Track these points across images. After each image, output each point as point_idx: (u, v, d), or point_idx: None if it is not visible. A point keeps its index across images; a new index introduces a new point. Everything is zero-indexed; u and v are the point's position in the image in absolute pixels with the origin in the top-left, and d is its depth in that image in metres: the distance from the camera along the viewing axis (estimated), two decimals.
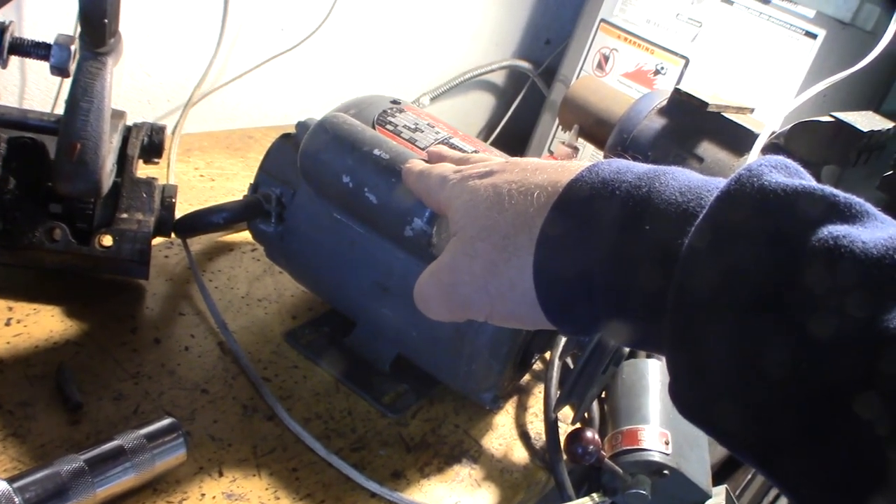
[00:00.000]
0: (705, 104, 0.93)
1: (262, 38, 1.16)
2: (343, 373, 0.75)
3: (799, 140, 0.89)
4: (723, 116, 0.96)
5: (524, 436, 0.78)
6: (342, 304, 0.78)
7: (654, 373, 0.83)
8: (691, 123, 0.98)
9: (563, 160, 1.09)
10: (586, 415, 0.79)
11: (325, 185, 0.66)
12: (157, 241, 0.84)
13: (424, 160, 0.57)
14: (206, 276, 0.83)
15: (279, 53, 1.17)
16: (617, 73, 1.32)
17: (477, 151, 0.72)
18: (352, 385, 0.74)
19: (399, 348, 0.75)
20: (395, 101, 0.76)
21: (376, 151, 0.63)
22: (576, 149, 1.11)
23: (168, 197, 0.74)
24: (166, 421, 0.59)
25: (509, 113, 1.62)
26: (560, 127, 1.27)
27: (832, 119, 0.85)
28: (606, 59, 1.33)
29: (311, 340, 0.79)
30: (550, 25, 1.67)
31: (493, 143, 1.72)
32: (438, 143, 0.71)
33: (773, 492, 1.48)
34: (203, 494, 0.59)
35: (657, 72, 1.27)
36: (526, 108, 1.62)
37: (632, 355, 0.86)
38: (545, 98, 1.54)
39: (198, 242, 0.88)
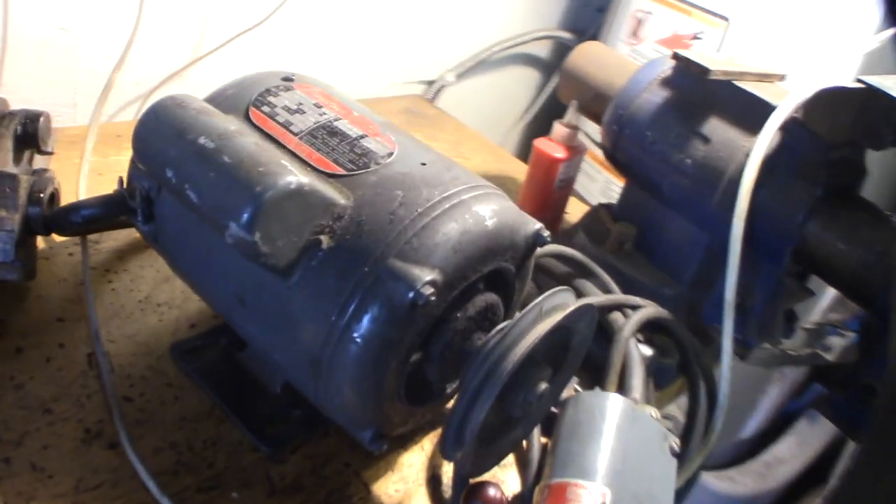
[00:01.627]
0: (706, 70, 0.75)
1: (237, 9, 1.07)
2: (224, 394, 0.65)
3: (820, 113, 0.70)
4: (735, 86, 0.77)
5: (433, 481, 0.64)
6: (213, 308, 0.67)
7: (612, 412, 0.67)
8: (698, 95, 0.80)
9: (562, 141, 0.92)
10: (515, 457, 0.65)
11: (157, 179, 0.56)
12: (63, 238, 0.77)
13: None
14: (107, 277, 0.75)
15: (259, 22, 1.08)
16: (651, 40, 1.13)
17: (365, 136, 0.59)
18: (227, 409, 0.64)
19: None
20: (286, 78, 0.65)
21: (201, 140, 0.51)
22: (575, 128, 0.95)
23: (37, 192, 0.66)
24: None
25: (548, 88, 1.45)
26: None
27: (862, 85, 0.65)
28: (640, 23, 1.14)
29: (198, 354, 0.68)
30: None
31: (534, 121, 1.57)
32: (319, 125, 0.59)
33: None
34: None
35: (695, 37, 1.07)
36: None
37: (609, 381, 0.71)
38: None
39: (113, 239, 0.80)
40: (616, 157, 0.89)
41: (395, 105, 1.35)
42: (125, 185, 0.65)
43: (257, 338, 0.59)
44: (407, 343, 0.53)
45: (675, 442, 0.61)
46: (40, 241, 0.76)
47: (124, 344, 0.68)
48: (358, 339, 0.51)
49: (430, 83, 1.44)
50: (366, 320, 0.51)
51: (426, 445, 0.67)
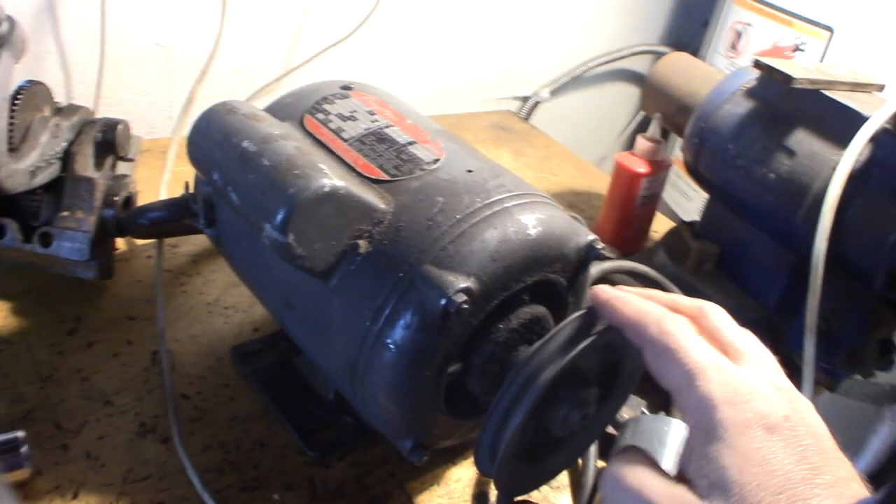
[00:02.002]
0: (790, 79, 0.70)
1: (326, 23, 1.10)
2: (277, 397, 0.66)
3: None
4: (823, 96, 0.72)
5: (479, 498, 0.63)
6: (269, 311, 0.68)
7: (673, 439, 0.63)
8: (784, 106, 0.76)
9: (645, 156, 0.89)
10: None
11: (209, 183, 0.57)
12: (144, 242, 0.80)
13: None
14: (180, 280, 0.78)
15: (346, 36, 1.10)
16: (750, 52, 1.08)
17: (413, 142, 0.59)
18: (278, 412, 0.65)
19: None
20: (345, 87, 0.66)
21: (245, 143, 0.52)
22: (659, 142, 0.92)
23: (112, 195, 0.69)
24: (9, 435, 0.54)
25: None
26: None
27: None
28: (739, 36, 1.09)
29: (257, 358, 0.70)
30: (706, 5, 1.43)
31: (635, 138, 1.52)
32: (369, 132, 0.59)
33: None
34: None
35: (796, 48, 1.01)
36: None
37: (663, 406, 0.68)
38: None
39: (191, 244, 0.83)
40: (698, 172, 0.85)
41: (485, 120, 1.35)
42: (191, 190, 0.67)
43: (303, 341, 0.60)
44: (442, 352, 0.51)
45: None
46: (121, 244, 0.80)
47: (188, 344, 0.71)
48: (391, 346, 0.50)
49: (525, 99, 1.43)
50: (399, 326, 0.50)
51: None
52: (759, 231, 0.81)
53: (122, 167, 0.77)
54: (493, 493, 0.63)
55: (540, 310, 0.57)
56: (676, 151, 1.28)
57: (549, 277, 0.56)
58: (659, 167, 0.94)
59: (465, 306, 0.49)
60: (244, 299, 0.77)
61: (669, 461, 0.61)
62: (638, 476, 0.37)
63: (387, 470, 0.63)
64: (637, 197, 0.95)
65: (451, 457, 0.66)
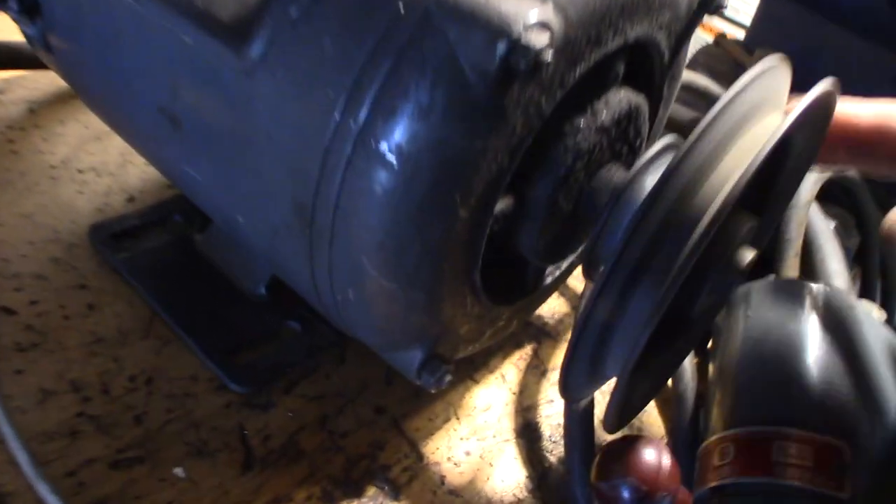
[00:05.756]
0: None
1: None
2: (170, 300, 0.39)
3: None
4: None
5: (526, 432, 0.38)
6: (148, 158, 0.40)
7: (816, 310, 0.40)
8: None
9: None
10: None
11: None
12: None
13: None
14: (6, 136, 0.49)
15: None
16: None
17: None
18: (173, 323, 0.38)
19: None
20: None
21: None
22: None
23: None
24: None
25: None
26: None
27: None
28: None
29: (135, 240, 0.42)
30: None
31: None
32: None
33: None
34: None
35: None
36: None
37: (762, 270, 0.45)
38: None
39: (25, 87, 0.54)
40: None
41: None
42: None
43: (207, 188, 0.33)
44: (490, 167, 0.26)
45: None
46: None
47: (17, 227, 0.42)
48: (390, 157, 0.24)
49: None
50: (403, 116, 0.24)
51: (509, 374, 0.41)
52: (851, 33, 0.57)
53: None
54: (545, 422, 0.39)
55: (636, 99, 0.31)
56: None
57: (651, 37, 0.30)
58: None
59: (547, 59, 0.23)
60: (111, 157, 0.49)
61: (822, 346, 0.37)
62: None
63: (370, 404, 0.37)
64: None
65: (470, 370, 0.41)
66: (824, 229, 0.49)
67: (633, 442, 0.31)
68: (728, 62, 0.68)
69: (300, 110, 0.26)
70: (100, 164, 0.48)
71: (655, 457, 0.31)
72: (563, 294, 0.47)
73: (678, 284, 0.25)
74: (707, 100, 0.56)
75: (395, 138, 0.24)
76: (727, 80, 0.63)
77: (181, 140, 0.32)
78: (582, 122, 0.29)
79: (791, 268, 0.46)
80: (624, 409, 0.31)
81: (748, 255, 0.30)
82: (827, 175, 0.52)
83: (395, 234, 0.25)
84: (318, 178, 0.25)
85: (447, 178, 0.25)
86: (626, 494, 0.30)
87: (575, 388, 0.30)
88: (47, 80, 0.55)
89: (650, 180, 0.30)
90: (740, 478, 0.35)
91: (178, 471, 0.32)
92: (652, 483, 0.30)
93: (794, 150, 0.30)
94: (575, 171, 0.29)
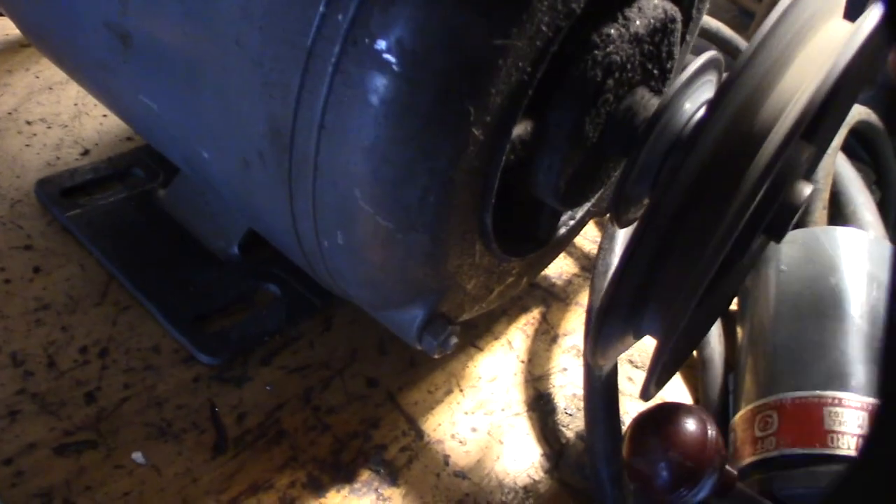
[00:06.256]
0: None
1: None
2: (129, 261, 0.34)
3: None
4: None
5: (539, 404, 0.34)
6: (98, 94, 0.35)
7: (854, 261, 0.36)
8: None
9: None
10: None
11: None
12: None
13: None
14: None
15: None
16: None
17: None
18: (132, 286, 0.33)
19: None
20: None
21: None
22: None
23: None
24: None
25: None
26: None
27: None
28: None
29: (88, 196, 0.37)
30: None
31: None
32: None
33: None
34: None
35: None
36: None
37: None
38: None
39: None
40: None
41: None
42: None
43: (164, 120, 0.28)
44: (510, 73, 0.21)
45: None
46: None
47: None
48: (389, 58, 0.19)
49: None
50: (407, 4, 0.19)
51: (516, 340, 0.36)
52: None
53: None
54: (559, 392, 0.34)
55: (673, 9, 0.27)
56: None
57: None
58: None
59: None
60: (64, 108, 0.44)
61: (865, 301, 0.33)
62: None
63: (361, 376, 0.33)
64: None
65: (472, 337, 0.36)
66: (854, 178, 0.44)
67: (670, 411, 0.27)
68: (732, 11, 0.63)
69: (274, 3, 0.21)
70: (51, 115, 0.43)
71: (699, 427, 0.26)
72: (570, 254, 0.42)
73: (738, 225, 0.21)
74: (720, 45, 0.51)
75: (396, 33, 0.19)
76: (735, 29, 0.59)
77: (133, 61, 0.26)
78: (613, 30, 0.24)
79: (820, 220, 0.42)
80: (663, 371, 0.27)
81: (805, 189, 0.26)
82: (852, 121, 0.47)
83: (395, 158, 0.21)
84: (298, 91, 0.21)
85: (460, 85, 0.20)
86: (664, 474, 0.26)
87: (605, 349, 0.26)
88: None
89: (689, 106, 0.26)
90: (788, 449, 0.30)
91: (137, 456, 0.27)
92: (697, 458, 0.26)
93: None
94: (605, 89, 0.25)
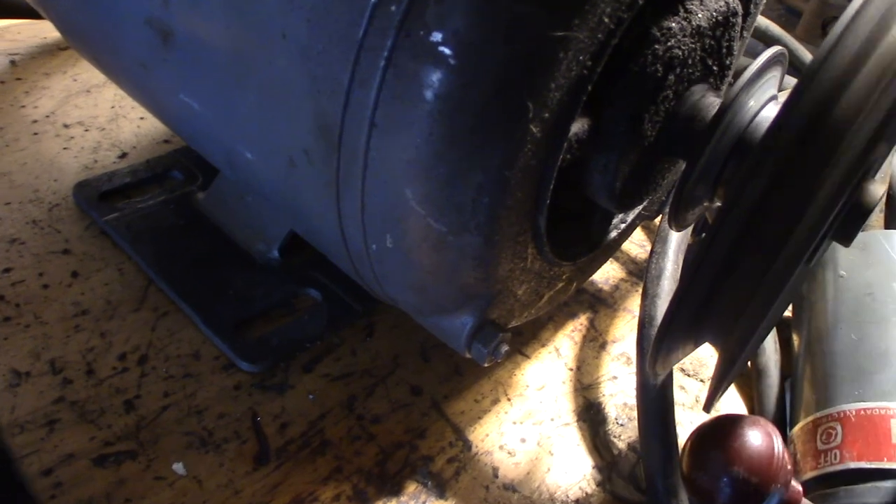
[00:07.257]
0: None
1: None
2: (169, 266, 0.33)
3: None
4: None
5: (589, 412, 0.32)
6: (137, 94, 0.34)
7: None
8: None
9: None
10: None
11: None
12: None
13: None
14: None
15: None
16: None
17: None
18: (172, 292, 0.32)
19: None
20: None
21: None
22: None
23: None
24: None
25: None
26: None
27: None
28: None
29: (127, 200, 0.37)
30: None
31: None
32: None
33: None
34: None
35: None
36: None
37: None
38: None
39: (6, 39, 0.48)
40: None
41: None
42: None
43: (205, 118, 0.27)
44: (570, 66, 0.20)
45: None
46: None
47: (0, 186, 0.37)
48: (445, 50, 0.18)
49: None
50: None
51: (564, 347, 0.35)
52: None
53: None
54: (609, 401, 0.33)
55: (735, 1, 0.25)
56: None
57: None
58: None
59: None
60: (101, 110, 0.43)
61: None
62: None
63: (405, 383, 0.32)
64: None
65: (518, 343, 0.35)
66: None
67: (733, 423, 0.26)
68: (778, 10, 0.62)
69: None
70: (88, 118, 0.43)
71: (765, 442, 0.25)
72: (616, 258, 0.41)
73: (820, 230, 0.20)
74: (769, 44, 0.49)
75: (452, 24, 0.18)
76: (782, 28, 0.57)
77: (173, 58, 0.26)
78: (674, 24, 0.23)
79: (877, 222, 0.40)
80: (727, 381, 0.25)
81: (878, 189, 0.24)
82: None
83: (449, 156, 0.20)
84: (349, 86, 0.20)
85: (518, 79, 0.19)
86: (727, 490, 0.24)
87: (666, 358, 0.24)
88: (31, 32, 0.49)
89: (753, 104, 0.24)
90: (854, 463, 0.29)
91: (178, 467, 0.27)
92: (763, 474, 0.24)
93: None
94: (665, 85, 0.23)
